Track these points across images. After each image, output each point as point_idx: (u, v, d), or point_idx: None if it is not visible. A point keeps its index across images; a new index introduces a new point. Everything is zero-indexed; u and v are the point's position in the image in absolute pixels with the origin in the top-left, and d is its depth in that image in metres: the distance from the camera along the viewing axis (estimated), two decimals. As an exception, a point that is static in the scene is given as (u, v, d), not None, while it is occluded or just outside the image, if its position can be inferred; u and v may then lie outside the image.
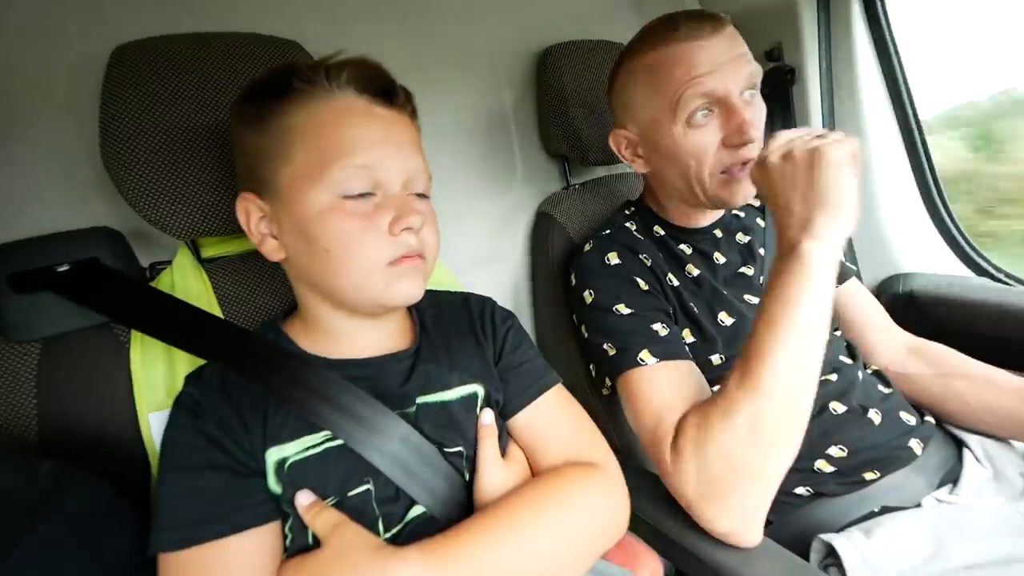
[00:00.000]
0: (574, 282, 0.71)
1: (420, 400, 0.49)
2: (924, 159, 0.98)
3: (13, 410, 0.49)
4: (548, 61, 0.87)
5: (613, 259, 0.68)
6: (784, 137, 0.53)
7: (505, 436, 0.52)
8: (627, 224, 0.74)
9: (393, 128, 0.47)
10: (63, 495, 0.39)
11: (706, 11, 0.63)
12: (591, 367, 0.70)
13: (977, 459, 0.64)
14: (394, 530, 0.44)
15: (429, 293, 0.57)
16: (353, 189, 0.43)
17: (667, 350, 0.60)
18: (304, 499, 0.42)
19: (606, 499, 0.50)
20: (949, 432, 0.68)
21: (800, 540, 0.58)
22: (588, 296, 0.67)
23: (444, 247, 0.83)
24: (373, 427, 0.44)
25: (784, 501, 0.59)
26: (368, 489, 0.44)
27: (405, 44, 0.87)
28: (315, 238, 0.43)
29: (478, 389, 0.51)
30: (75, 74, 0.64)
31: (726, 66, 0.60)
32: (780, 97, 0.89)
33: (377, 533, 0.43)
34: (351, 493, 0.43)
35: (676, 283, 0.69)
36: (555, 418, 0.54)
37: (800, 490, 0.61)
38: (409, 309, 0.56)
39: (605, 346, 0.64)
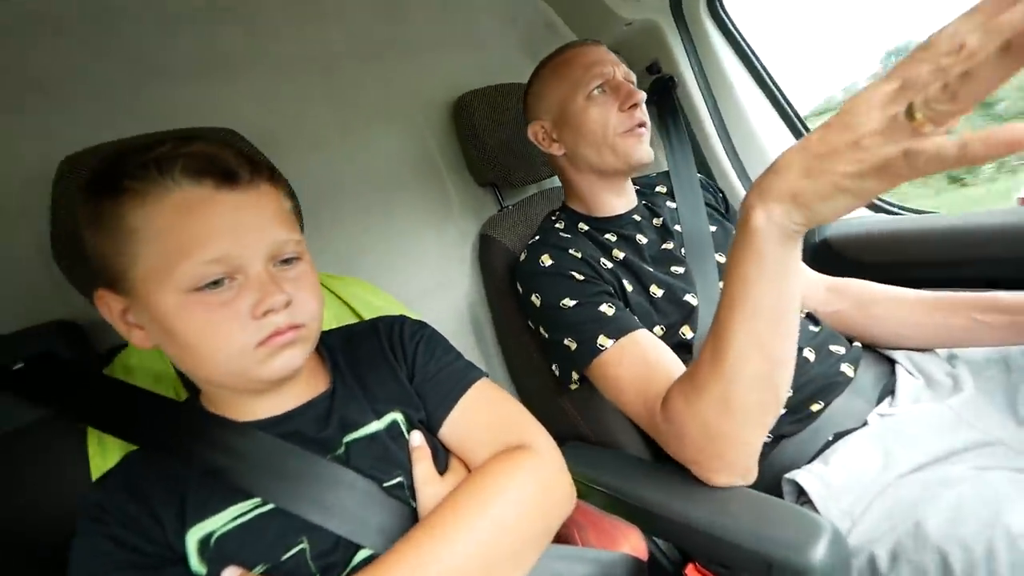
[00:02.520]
0: (521, 291, 0.76)
1: (347, 439, 0.48)
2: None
3: None
4: (462, 107, 0.98)
5: (546, 261, 0.73)
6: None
7: (442, 452, 0.52)
8: (555, 226, 0.81)
9: (243, 209, 0.43)
10: None
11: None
12: (554, 366, 0.73)
13: (908, 372, 0.70)
14: None
15: (337, 330, 0.58)
16: (204, 282, 0.41)
17: (619, 327, 0.65)
18: None
19: (536, 479, 0.48)
20: (880, 353, 0.75)
21: (774, 482, 0.62)
22: (536, 300, 0.72)
23: (395, 282, 0.91)
24: (307, 482, 0.44)
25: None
26: (302, 548, 0.43)
27: (331, 102, 0.94)
28: (175, 334, 0.42)
29: (397, 416, 0.51)
30: (27, 186, 0.64)
31: (612, 61, 0.79)
32: (667, 102, 1.01)
33: None
34: (284, 557, 0.42)
35: (609, 266, 0.75)
36: (479, 414, 0.53)
37: (762, 437, 0.65)
38: (319, 351, 0.54)
39: (566, 342, 0.68)
